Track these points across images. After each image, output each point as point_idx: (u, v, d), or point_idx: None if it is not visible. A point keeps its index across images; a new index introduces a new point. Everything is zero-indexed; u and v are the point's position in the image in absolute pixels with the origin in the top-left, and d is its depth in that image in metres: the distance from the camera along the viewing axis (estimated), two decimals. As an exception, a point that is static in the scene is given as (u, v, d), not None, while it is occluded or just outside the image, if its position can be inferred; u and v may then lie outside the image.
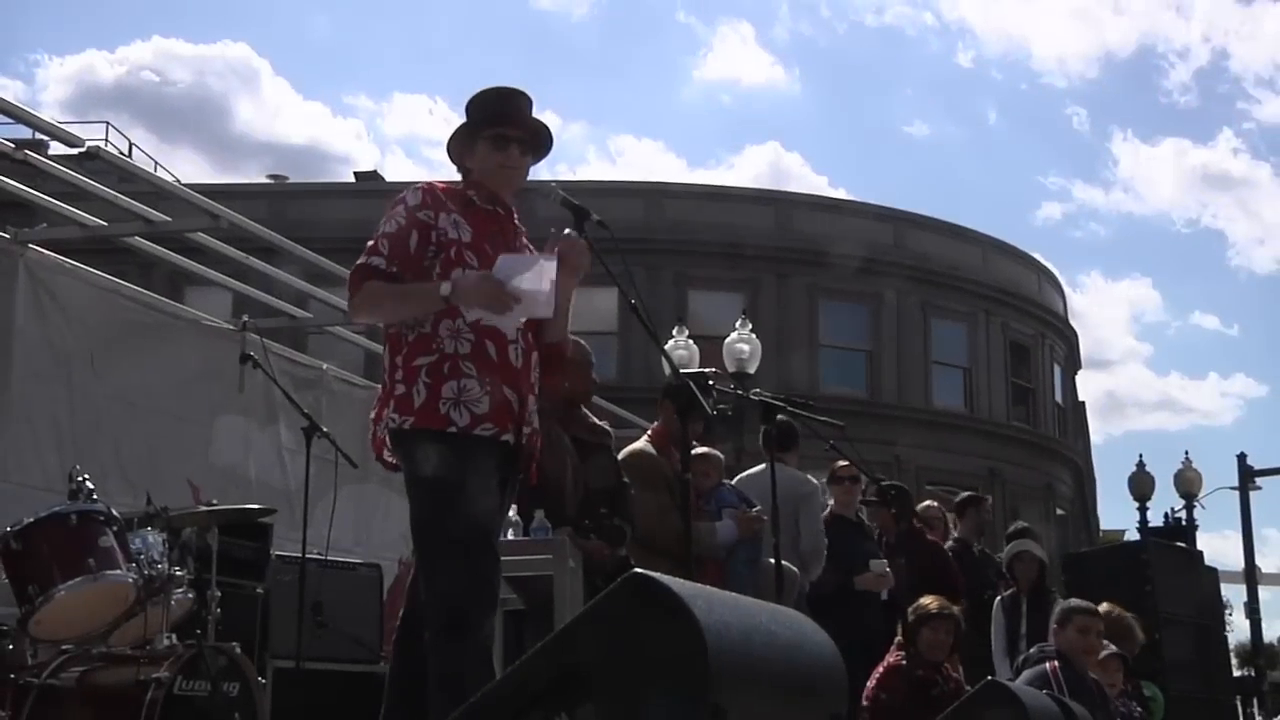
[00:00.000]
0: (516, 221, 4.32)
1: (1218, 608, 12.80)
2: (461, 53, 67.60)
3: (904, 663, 6.57)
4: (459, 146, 4.30)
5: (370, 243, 4.10)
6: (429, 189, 4.18)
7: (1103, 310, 70.24)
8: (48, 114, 7.92)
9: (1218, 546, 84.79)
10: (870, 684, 6.55)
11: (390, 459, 4.10)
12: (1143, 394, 68.83)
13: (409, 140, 70.62)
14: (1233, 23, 73.56)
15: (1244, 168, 73.70)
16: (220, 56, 60.26)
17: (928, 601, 6.85)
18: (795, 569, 7.04)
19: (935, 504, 9.50)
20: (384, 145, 69.04)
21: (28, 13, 65.93)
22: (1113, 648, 7.18)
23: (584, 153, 68.44)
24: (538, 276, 3.95)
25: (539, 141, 4.33)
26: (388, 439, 4.04)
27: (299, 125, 62.60)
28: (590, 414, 6.29)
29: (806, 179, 66.57)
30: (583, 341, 6.02)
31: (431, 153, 69.00)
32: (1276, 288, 71.53)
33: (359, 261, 4.07)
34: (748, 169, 60.22)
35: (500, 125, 4.24)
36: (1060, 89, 69.06)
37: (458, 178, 4.35)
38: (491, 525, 4.05)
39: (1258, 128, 74.20)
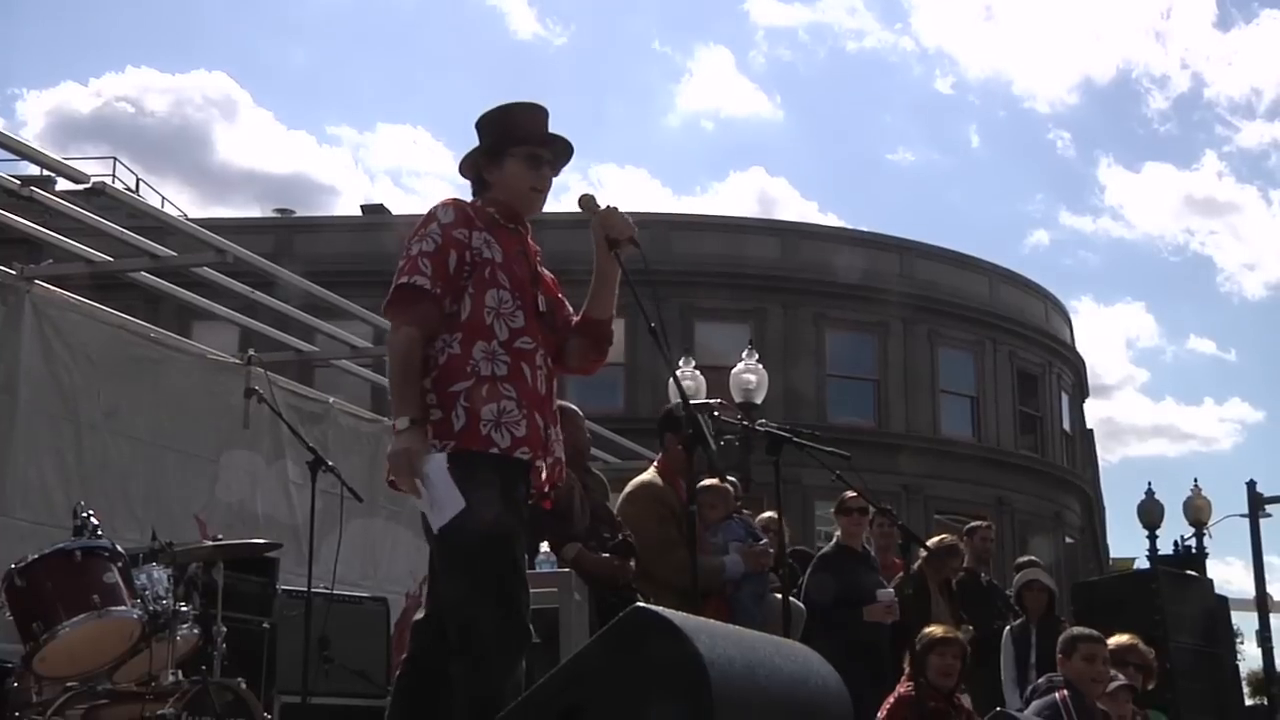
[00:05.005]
0: (531, 241, 4.28)
1: (1229, 636, 12.68)
2: (443, 83, 67.77)
3: (914, 694, 6.52)
4: (480, 162, 4.21)
5: (408, 259, 3.99)
6: (459, 206, 4.10)
7: (1097, 337, 70.27)
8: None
9: (1221, 573, 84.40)
10: (881, 715, 6.51)
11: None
12: (1140, 420, 68.68)
13: (396, 171, 70.87)
14: (1211, 49, 73.77)
15: (1229, 192, 73.87)
16: (198, 87, 59.98)
17: (932, 629, 6.82)
18: (802, 605, 7.01)
19: (953, 539, 9.41)
20: (371, 175, 69.26)
21: (6, 47, 66.29)
22: (1122, 678, 7.12)
23: (567, 181, 68.14)
24: (446, 500, 3.83)
25: (562, 160, 4.30)
26: None
27: (284, 156, 62.53)
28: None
29: (796, 205, 66.68)
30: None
31: (418, 183, 68.96)
32: (1268, 313, 71.52)
33: (402, 280, 3.95)
34: (734, 196, 60.34)
35: (535, 144, 4.20)
36: (1043, 115, 69.26)
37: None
38: (518, 542, 3.96)
39: (1238, 151, 74.47)
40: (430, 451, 3.84)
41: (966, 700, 7.04)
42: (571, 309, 4.32)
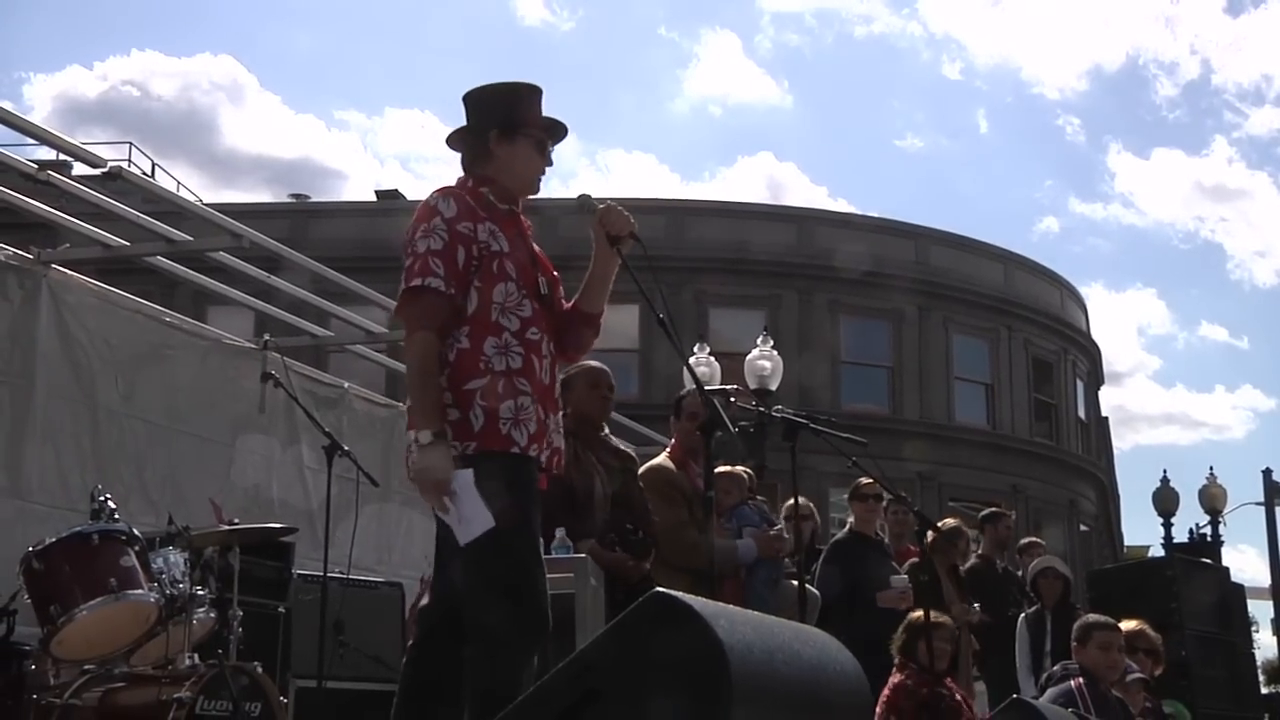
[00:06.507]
0: (523, 217, 4.22)
1: (1244, 624, 12.66)
2: (450, 68, 67.75)
3: (909, 682, 6.52)
4: (491, 137, 4.11)
5: (416, 260, 3.89)
6: (458, 196, 4.02)
7: (1109, 324, 70.18)
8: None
9: (1234, 562, 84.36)
10: (879, 707, 6.50)
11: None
12: (1151, 408, 68.67)
13: (405, 156, 71.00)
14: (1220, 35, 73.47)
15: (1240, 178, 73.67)
16: (204, 71, 59.62)
17: (918, 614, 6.79)
18: (817, 592, 6.99)
19: (960, 524, 9.39)
20: (381, 160, 69.30)
21: (10, 30, 66.37)
22: (1136, 667, 7.11)
23: (575, 167, 68.63)
24: (475, 517, 3.80)
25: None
26: None
27: (292, 140, 62.49)
28: (611, 437, 6.20)
29: (805, 190, 66.78)
30: (597, 364, 6.01)
31: (427, 168, 69.03)
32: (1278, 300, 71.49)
33: (415, 283, 3.87)
34: (742, 181, 60.38)
35: (544, 129, 4.16)
36: (1051, 101, 69.16)
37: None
38: (536, 532, 3.99)
39: (1247, 138, 74.31)
40: (455, 465, 3.77)
41: (979, 687, 7.03)
42: (563, 292, 4.27)
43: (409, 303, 3.92)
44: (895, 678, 6.62)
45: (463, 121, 4.20)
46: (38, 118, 9.62)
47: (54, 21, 67.23)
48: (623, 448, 6.18)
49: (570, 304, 4.23)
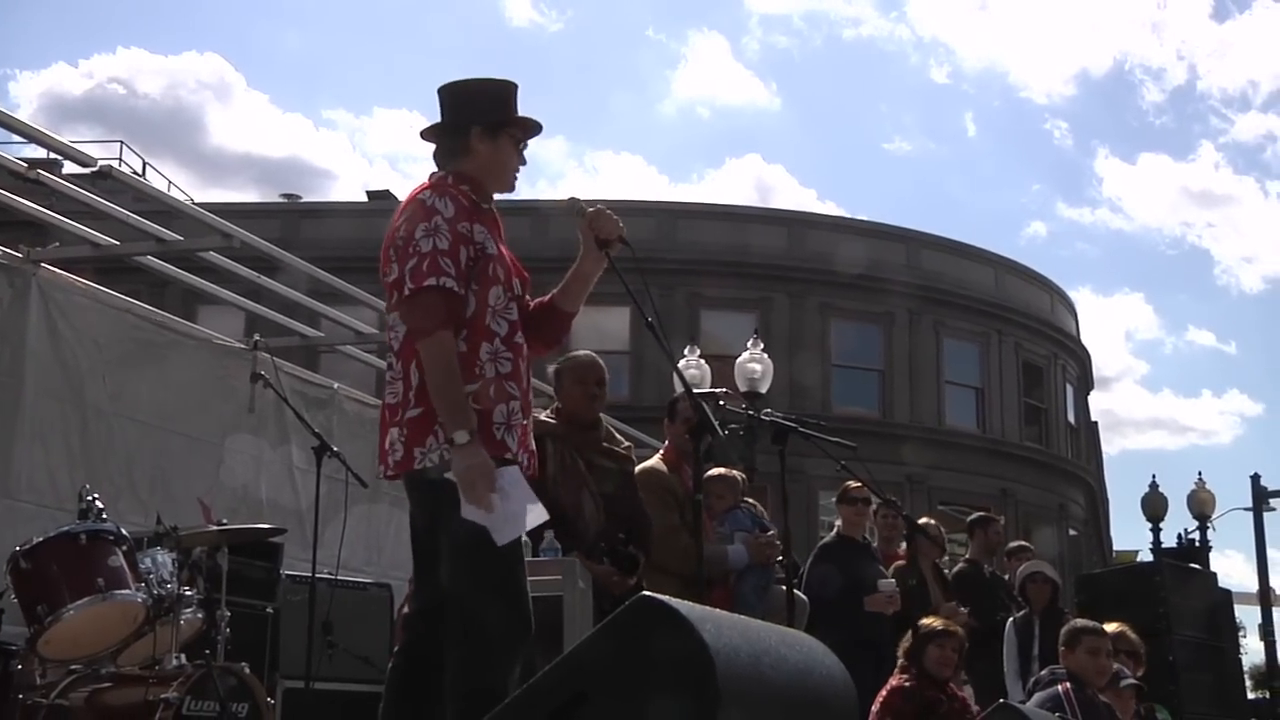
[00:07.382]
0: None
1: (1232, 630, 12.68)
2: (438, 68, 68.04)
3: (909, 684, 6.52)
4: (463, 137, 4.06)
5: (423, 259, 3.82)
6: (453, 196, 3.94)
7: (1097, 328, 70.39)
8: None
9: (1221, 567, 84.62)
10: (875, 706, 6.50)
11: (394, 473, 3.95)
12: (1138, 413, 68.93)
13: (393, 155, 71.04)
14: (1206, 41, 73.81)
15: (1227, 184, 73.98)
16: (190, 69, 59.58)
17: (931, 620, 6.81)
18: (805, 598, 6.98)
19: (933, 521, 9.41)
20: (369, 160, 69.29)
21: None
22: (1129, 673, 7.11)
23: (564, 169, 68.68)
24: (528, 512, 3.81)
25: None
26: (431, 467, 3.83)
27: (280, 139, 62.37)
28: (612, 432, 6.06)
29: (793, 193, 66.86)
30: (587, 355, 5.92)
31: (415, 168, 69.01)
32: (1266, 306, 71.84)
33: (429, 282, 3.79)
34: (731, 183, 60.59)
35: (523, 127, 4.13)
36: (1039, 106, 69.51)
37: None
38: (523, 549, 3.99)
39: (1234, 143, 74.71)
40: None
41: (967, 691, 7.04)
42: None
43: (424, 302, 3.82)
44: (895, 679, 6.63)
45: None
46: (23, 115, 9.57)
47: (40, 18, 67.17)
48: (619, 448, 5.96)
49: (547, 299, 4.21)
